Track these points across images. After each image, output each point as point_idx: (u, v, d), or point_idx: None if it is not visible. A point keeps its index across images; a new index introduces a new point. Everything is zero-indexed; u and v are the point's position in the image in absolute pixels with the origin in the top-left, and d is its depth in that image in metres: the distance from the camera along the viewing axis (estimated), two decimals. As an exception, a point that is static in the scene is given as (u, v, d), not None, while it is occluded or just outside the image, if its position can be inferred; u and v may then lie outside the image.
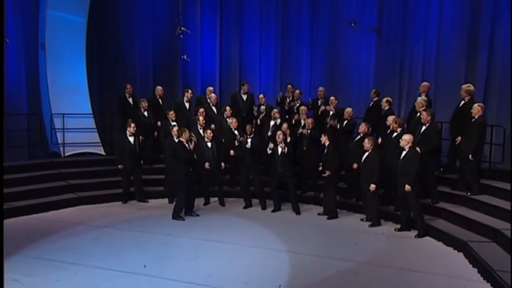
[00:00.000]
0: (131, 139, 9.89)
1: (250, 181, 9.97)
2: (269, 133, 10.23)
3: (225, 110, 10.74)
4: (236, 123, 10.13)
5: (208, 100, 11.23)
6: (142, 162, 10.26)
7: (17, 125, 10.54)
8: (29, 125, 10.95)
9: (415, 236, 7.94)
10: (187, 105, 11.22)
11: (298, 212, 9.49)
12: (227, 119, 10.50)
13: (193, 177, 9.26)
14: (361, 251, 7.29)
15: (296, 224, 8.80)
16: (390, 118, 8.98)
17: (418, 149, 7.97)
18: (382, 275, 6.41)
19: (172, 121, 10.43)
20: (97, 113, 12.07)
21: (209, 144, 9.76)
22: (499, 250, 6.73)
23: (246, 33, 13.13)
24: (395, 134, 8.61)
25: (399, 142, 8.05)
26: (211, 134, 9.77)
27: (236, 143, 9.90)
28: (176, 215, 8.96)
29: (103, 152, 11.72)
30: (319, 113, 10.76)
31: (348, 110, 9.97)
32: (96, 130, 11.79)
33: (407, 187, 7.69)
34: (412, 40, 11.39)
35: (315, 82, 12.40)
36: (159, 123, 10.99)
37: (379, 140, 9.11)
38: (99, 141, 11.77)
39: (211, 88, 11.56)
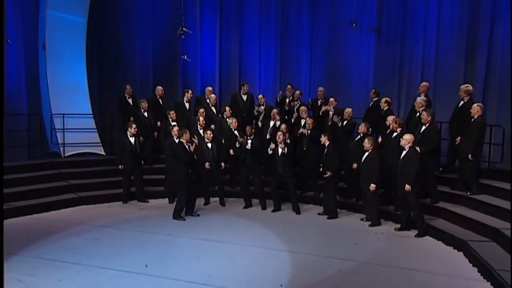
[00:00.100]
0: (132, 139, 9.90)
1: (250, 181, 10.00)
2: (268, 136, 10.24)
3: (225, 110, 10.77)
4: (236, 124, 10.15)
5: (208, 100, 11.25)
6: (142, 162, 10.27)
7: (17, 125, 10.56)
8: (29, 125, 10.95)
9: (415, 236, 7.97)
10: (187, 105, 11.24)
11: (298, 212, 9.51)
12: (227, 119, 10.52)
13: (193, 177, 9.26)
14: (361, 251, 7.32)
15: (296, 224, 8.83)
16: (390, 118, 9.02)
17: (418, 148, 8.01)
18: (382, 274, 6.44)
19: (173, 120, 10.44)
20: (97, 113, 12.09)
21: (209, 145, 9.77)
22: (499, 250, 6.77)
23: (246, 33, 13.15)
24: (395, 134, 8.64)
25: (399, 142, 8.10)
26: (211, 135, 9.79)
27: (237, 145, 9.91)
28: (177, 215, 8.97)
29: (103, 152, 11.74)
30: (320, 113, 10.79)
31: (348, 110, 10.00)
32: (96, 130, 11.80)
33: (407, 187, 7.72)
34: (412, 41, 11.44)
35: (314, 82, 12.44)
36: (158, 123, 11.01)
37: (379, 140, 9.13)
38: (99, 141, 11.78)
39: (210, 88, 11.58)
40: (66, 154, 11.27)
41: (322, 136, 9.18)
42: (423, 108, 8.93)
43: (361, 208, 9.28)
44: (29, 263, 6.61)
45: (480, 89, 10.29)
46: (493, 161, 9.32)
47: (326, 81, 12.21)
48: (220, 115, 11.05)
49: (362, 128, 9.20)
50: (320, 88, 11.23)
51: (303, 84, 12.43)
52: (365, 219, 8.93)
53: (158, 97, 11.30)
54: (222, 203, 10.13)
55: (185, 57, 12.09)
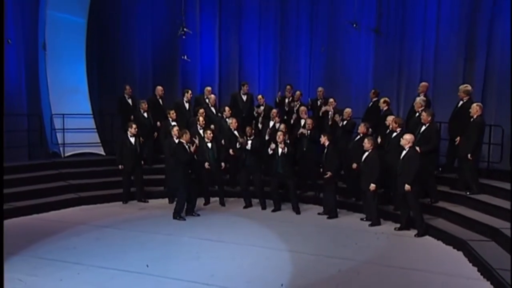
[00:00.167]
0: (132, 139, 9.91)
1: (250, 182, 10.02)
2: (267, 137, 10.24)
3: (224, 111, 10.79)
4: (236, 124, 10.17)
5: (207, 101, 11.27)
6: (142, 162, 10.29)
7: (17, 126, 10.57)
8: (29, 126, 10.96)
9: (415, 235, 7.99)
10: (186, 105, 11.25)
11: (298, 212, 9.53)
12: (227, 119, 10.54)
13: (193, 177, 9.27)
14: (361, 250, 7.34)
15: (297, 223, 8.86)
16: (390, 118, 9.04)
17: (418, 148, 8.03)
18: (382, 274, 6.46)
19: (173, 120, 10.45)
20: (97, 114, 12.09)
21: (209, 145, 9.78)
22: (498, 249, 6.79)
23: (245, 34, 13.16)
24: (394, 134, 8.67)
25: (398, 142, 8.12)
26: (211, 135, 9.80)
27: (238, 145, 9.92)
28: (177, 215, 8.99)
29: (103, 153, 11.77)
30: (320, 114, 10.81)
31: (348, 110, 10.02)
32: (96, 130, 11.81)
33: (407, 187, 7.75)
34: (411, 41, 11.46)
35: (314, 82, 12.46)
36: (158, 123, 11.02)
37: (379, 140, 9.15)
38: (99, 141, 11.80)
39: (209, 88, 11.60)
40: (66, 154, 11.29)
41: (322, 136, 9.21)
42: (423, 108, 8.96)
43: (360, 207, 9.31)
44: (30, 263, 6.62)
45: (479, 89, 10.32)
46: (492, 161, 9.35)
47: (326, 81, 12.22)
48: (219, 114, 11.06)
49: (361, 128, 9.23)
50: (320, 88, 11.26)
51: (302, 85, 12.44)
52: (364, 219, 8.96)
53: (158, 97, 11.32)
54: (222, 203, 10.15)
55: (185, 57, 12.11)
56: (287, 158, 9.42)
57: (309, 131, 9.85)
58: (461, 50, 10.76)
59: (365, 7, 11.67)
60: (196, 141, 9.30)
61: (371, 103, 10.48)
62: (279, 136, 9.32)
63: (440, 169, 9.46)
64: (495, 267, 6.08)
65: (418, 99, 9.32)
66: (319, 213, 9.44)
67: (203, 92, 11.73)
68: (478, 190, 8.46)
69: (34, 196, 9.57)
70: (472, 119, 8.43)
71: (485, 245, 6.97)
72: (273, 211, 9.67)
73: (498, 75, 10.22)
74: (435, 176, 8.83)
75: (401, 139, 7.98)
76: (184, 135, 8.94)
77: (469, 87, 9.03)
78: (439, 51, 11.06)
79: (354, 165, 9.01)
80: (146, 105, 10.82)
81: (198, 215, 9.22)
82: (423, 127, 8.49)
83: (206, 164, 9.67)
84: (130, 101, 11.32)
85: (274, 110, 10.70)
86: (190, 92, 11.31)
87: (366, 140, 8.53)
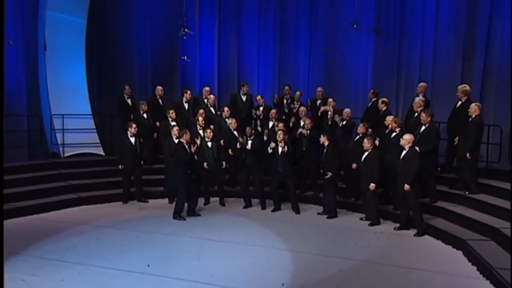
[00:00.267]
0: (132, 139, 9.93)
1: (250, 182, 10.03)
2: (265, 137, 10.25)
3: (224, 111, 10.81)
4: (236, 124, 10.19)
5: (206, 101, 11.29)
6: (142, 162, 10.30)
7: (17, 126, 10.57)
8: (29, 126, 10.98)
9: (414, 235, 8.03)
10: (186, 105, 11.27)
11: (298, 211, 9.56)
12: (226, 119, 10.56)
13: (193, 177, 9.29)
14: (361, 250, 7.37)
15: (296, 223, 8.88)
16: (389, 118, 9.08)
17: (417, 148, 8.07)
18: (382, 273, 6.49)
19: (172, 120, 10.46)
20: (97, 114, 12.10)
21: (209, 144, 9.80)
22: (497, 248, 6.83)
23: (244, 34, 13.21)
24: (394, 134, 8.70)
25: (398, 142, 8.15)
26: (211, 133, 9.81)
27: (238, 146, 9.94)
28: (177, 215, 9.00)
29: (102, 153, 11.77)
30: (319, 114, 10.84)
31: (347, 110, 10.05)
32: (95, 130, 11.82)
33: (407, 187, 7.78)
34: (410, 41, 11.52)
35: (313, 82, 12.51)
36: (157, 123, 11.03)
37: (377, 142, 9.15)
38: (99, 141, 11.81)
39: (207, 89, 11.62)
40: (66, 155, 11.29)
41: (322, 136, 9.23)
42: (421, 108, 9.00)
43: (360, 207, 9.34)
44: (31, 263, 6.63)
45: (477, 89, 10.37)
46: (490, 160, 9.39)
47: (325, 82, 12.27)
48: (219, 114, 11.08)
49: (360, 128, 9.26)
50: (319, 89, 11.29)
51: (302, 85, 12.48)
52: (364, 219, 8.99)
53: (158, 97, 11.34)
54: (222, 203, 10.17)
55: (185, 57, 12.12)
56: (287, 158, 9.45)
57: (308, 131, 9.87)
58: (459, 50, 10.81)
59: (364, 8, 11.71)
60: (198, 141, 9.33)
61: (370, 103, 10.52)
62: (279, 135, 9.34)
63: (439, 168, 9.50)
64: (494, 266, 6.11)
65: (417, 99, 9.36)
66: (318, 213, 9.47)
67: (202, 92, 11.75)
68: (477, 189, 8.50)
69: (34, 196, 9.57)
70: (470, 119, 8.47)
71: (485, 244, 7.01)
72: (273, 211, 9.69)
73: (497, 75, 10.27)
74: (434, 176, 8.86)
75: (401, 139, 8.01)
76: (184, 135, 8.96)
77: (467, 87, 9.06)
78: (437, 52, 11.12)
79: (354, 165, 9.04)
80: (146, 107, 10.83)
81: (199, 215, 9.24)
82: (423, 127, 8.52)
83: (205, 164, 9.67)
84: (129, 101, 11.34)
85: (273, 111, 10.74)
86: (189, 92, 11.33)
87: (365, 140, 8.57)
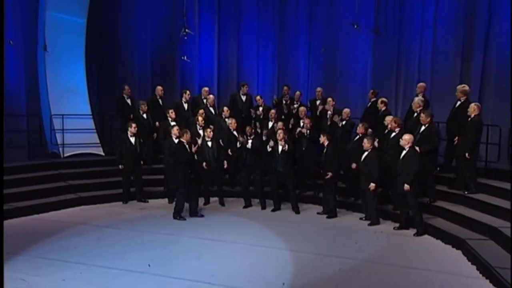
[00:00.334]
0: (132, 139, 9.94)
1: (250, 182, 10.05)
2: (264, 137, 10.25)
3: (223, 111, 10.82)
4: (235, 124, 10.20)
5: (205, 101, 11.31)
6: (142, 162, 10.31)
7: (17, 126, 10.58)
8: (29, 126, 10.99)
9: (414, 235, 8.05)
10: (185, 105, 11.29)
11: (297, 211, 9.58)
12: (226, 119, 10.58)
13: (193, 177, 9.30)
14: (361, 250, 7.40)
15: (296, 223, 8.90)
16: (389, 118, 9.10)
17: (417, 149, 8.09)
18: (382, 272, 6.51)
19: (172, 120, 10.47)
20: (96, 114, 12.11)
21: (209, 143, 9.81)
22: (497, 248, 6.86)
23: (244, 35, 13.24)
24: (393, 134, 8.72)
25: (398, 142, 8.17)
26: (211, 133, 9.82)
27: (238, 145, 9.96)
28: (177, 215, 9.01)
29: (102, 153, 11.78)
30: (318, 113, 10.86)
31: (346, 110, 10.08)
32: (95, 131, 11.83)
33: (406, 187, 7.80)
34: (409, 41, 11.56)
35: (313, 83, 12.54)
36: (157, 123, 11.04)
37: (376, 144, 9.15)
38: (98, 141, 11.82)
39: (206, 89, 11.64)
40: (65, 155, 11.29)
41: (322, 136, 9.26)
42: (421, 108, 9.03)
43: (359, 207, 9.37)
44: (32, 262, 6.64)
45: (476, 89, 10.40)
46: (489, 160, 9.41)
47: (324, 82, 12.30)
48: (218, 114, 11.09)
49: (360, 128, 9.28)
50: (318, 89, 11.31)
51: (301, 85, 12.51)
52: (364, 218, 9.01)
53: (158, 97, 11.36)
54: (222, 203, 10.18)
55: (185, 58, 12.13)
56: (287, 157, 9.46)
57: (308, 131, 9.89)
58: (458, 51, 10.85)
59: (363, 8, 11.73)
60: (199, 141, 9.35)
61: (370, 103, 10.54)
62: (279, 134, 9.36)
63: (438, 168, 9.52)
64: (494, 265, 6.14)
65: (416, 99, 9.39)
66: (318, 213, 9.49)
67: (201, 93, 11.76)
68: (476, 189, 8.52)
69: (34, 196, 9.57)
70: (469, 119, 8.49)
71: (484, 244, 7.03)
72: (272, 210, 9.71)
73: (495, 75, 10.30)
74: (434, 176, 8.89)
75: (401, 139, 8.03)
76: (184, 135, 8.97)
77: (466, 87, 9.09)
78: (436, 52, 11.15)
79: (354, 165, 9.06)
80: (146, 107, 10.84)
81: (202, 215, 9.23)
82: (422, 128, 8.55)
83: (204, 164, 9.67)
84: (129, 101, 11.36)
85: (273, 111, 10.75)
86: (188, 92, 11.36)
87: (365, 140, 8.59)
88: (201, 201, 9.95)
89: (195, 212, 9.19)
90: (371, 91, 10.62)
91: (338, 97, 11.20)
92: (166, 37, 12.88)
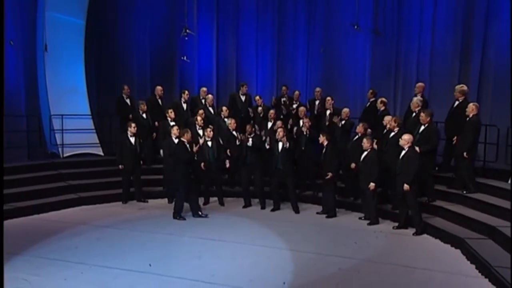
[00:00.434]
0: (132, 139, 9.95)
1: (251, 181, 10.07)
2: (264, 137, 10.27)
3: (222, 111, 10.85)
4: (235, 124, 10.23)
5: (203, 101, 11.33)
6: (141, 162, 10.33)
7: (16, 126, 10.58)
8: (28, 126, 11.00)
9: (413, 234, 8.09)
10: (184, 106, 11.30)
11: (297, 211, 9.61)
12: (225, 119, 10.60)
13: (193, 177, 9.31)
14: (361, 249, 7.43)
15: (296, 223, 8.93)
16: (387, 118, 9.14)
17: (417, 148, 8.13)
18: (382, 272, 6.55)
19: (171, 120, 10.49)
20: (95, 114, 12.12)
21: (209, 143, 9.83)
22: (495, 247, 6.90)
23: (243, 35, 13.26)
24: (392, 133, 8.76)
25: (397, 142, 8.21)
26: (211, 132, 9.84)
27: (238, 142, 9.97)
28: (177, 215, 9.04)
29: (101, 153, 11.79)
30: (315, 112, 10.89)
31: (346, 110, 10.11)
32: (94, 131, 11.84)
33: (406, 187, 7.84)
34: (407, 42, 11.60)
35: (312, 83, 12.56)
36: (156, 123, 11.06)
37: (375, 146, 9.18)
38: (98, 142, 11.83)
39: (204, 89, 11.66)
40: (65, 155, 11.30)
41: (321, 136, 9.29)
42: (419, 108, 9.08)
43: (359, 207, 9.40)
44: (33, 262, 6.66)
45: (474, 89, 10.45)
46: (488, 160, 9.47)
47: (323, 82, 12.32)
48: (217, 113, 11.11)
49: (359, 128, 9.31)
50: (318, 89, 11.34)
51: (300, 85, 12.54)
52: (363, 218, 9.04)
53: (157, 97, 11.37)
54: (221, 203, 10.20)
55: (185, 58, 12.14)
56: (288, 155, 9.49)
57: (307, 131, 9.91)
58: (456, 51, 10.90)
59: (361, 9, 11.75)
60: (201, 140, 9.38)
61: (369, 103, 10.57)
62: (279, 132, 9.40)
63: (436, 168, 9.56)
64: (493, 264, 6.18)
65: (415, 99, 9.43)
66: (317, 212, 9.52)
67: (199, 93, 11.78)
68: (475, 189, 8.57)
69: (34, 196, 9.58)
70: (468, 119, 8.53)
71: (483, 243, 7.08)
72: (272, 210, 9.74)
73: (493, 76, 10.36)
74: (433, 176, 8.93)
75: (400, 139, 8.07)
76: (185, 134, 8.99)
77: (465, 87, 9.14)
78: (435, 52, 11.20)
79: (353, 165, 9.09)
80: (145, 106, 10.85)
81: (206, 215, 9.23)
82: (422, 127, 8.59)
83: (202, 164, 9.67)
84: (128, 101, 11.39)
85: (272, 111, 10.77)
86: (187, 92, 11.38)
87: (365, 140, 8.63)
88: (200, 201, 9.94)
89: (197, 212, 9.19)
90: (370, 91, 10.65)
91: (337, 97, 11.22)
92: (165, 37, 12.91)
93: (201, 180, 9.82)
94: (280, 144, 9.41)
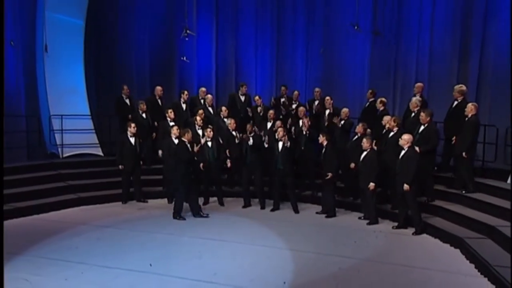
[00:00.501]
0: (132, 140, 9.96)
1: (251, 181, 10.08)
2: (263, 137, 10.29)
3: (221, 111, 10.86)
4: (235, 124, 10.24)
5: (202, 101, 11.34)
6: (141, 162, 10.34)
7: (16, 127, 10.60)
8: (28, 127, 11.02)
9: (413, 234, 8.12)
10: (183, 106, 11.32)
11: (296, 211, 9.63)
12: (224, 119, 10.61)
13: (193, 177, 9.32)
14: (361, 249, 7.46)
15: (296, 222, 8.95)
16: (386, 118, 9.17)
17: (417, 148, 8.16)
18: (382, 271, 6.57)
19: (171, 120, 10.50)
20: (95, 115, 12.12)
21: (209, 144, 9.84)
22: (494, 246, 6.93)
23: (242, 35, 13.27)
24: (392, 133, 8.79)
25: (396, 141, 8.23)
26: (211, 133, 9.85)
27: (237, 141, 9.99)
28: (177, 215, 9.05)
29: (101, 153, 11.80)
30: (313, 112, 10.91)
31: (345, 110, 10.14)
32: (94, 131, 11.85)
33: (406, 186, 7.87)
34: (406, 42, 11.63)
35: (311, 83, 12.58)
36: (156, 123, 11.07)
37: (374, 146, 9.21)
38: (97, 142, 11.84)
39: (203, 89, 11.66)
40: (64, 155, 11.31)
41: (321, 135, 9.31)
42: (418, 108, 9.11)
43: (358, 206, 9.43)
44: (34, 262, 6.67)
45: (473, 89, 10.48)
46: (486, 160, 9.50)
47: (322, 82, 12.33)
48: (217, 113, 11.12)
49: (359, 128, 9.33)
50: (317, 89, 11.35)
51: (299, 85, 12.55)
52: (362, 218, 9.07)
53: (157, 97, 11.38)
54: (221, 203, 10.22)
55: (184, 58, 12.15)
56: (288, 154, 9.50)
57: (307, 130, 9.93)
58: (455, 51, 10.93)
59: (361, 9, 11.76)
60: (203, 140, 9.40)
61: (368, 103, 10.60)
62: (279, 132, 9.42)
63: (435, 168, 9.59)
64: (492, 264, 6.20)
65: (413, 99, 9.46)
66: (317, 212, 9.55)
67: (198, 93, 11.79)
68: (474, 188, 8.60)
69: (33, 196, 9.59)
70: (467, 118, 8.56)
71: (482, 242, 7.10)
72: (272, 210, 9.76)
73: (492, 76, 10.39)
74: (433, 176, 8.96)
75: (400, 139, 8.09)
76: (186, 134, 9.00)
77: (463, 87, 9.17)
78: (434, 52, 11.23)
79: (352, 165, 9.12)
80: (145, 106, 10.86)
81: (207, 215, 9.25)
82: (422, 127, 8.62)
83: (201, 165, 9.67)
84: (127, 101, 11.39)
85: (271, 111, 10.79)
86: (186, 92, 11.39)
87: (364, 140, 8.65)
88: (200, 201, 9.94)
89: (198, 213, 9.20)
90: (370, 91, 10.68)
91: (336, 97, 11.26)
92: (164, 37, 12.92)
93: (201, 180, 9.82)
94: (281, 144, 9.43)
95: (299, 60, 12.90)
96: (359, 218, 9.14)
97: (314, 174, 10.16)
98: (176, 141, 9.41)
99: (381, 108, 9.93)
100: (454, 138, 8.90)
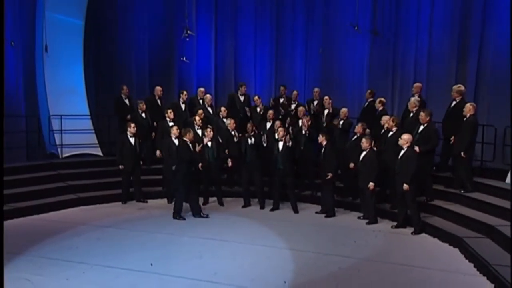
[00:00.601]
0: (132, 140, 9.97)
1: (251, 181, 10.11)
2: (263, 137, 10.31)
3: (221, 111, 10.88)
4: (234, 124, 10.26)
5: (201, 101, 11.36)
6: (141, 162, 10.35)
7: (15, 127, 10.60)
8: (27, 127, 11.02)
9: (412, 233, 8.15)
10: (182, 106, 11.33)
11: (296, 211, 9.66)
12: (224, 119, 10.63)
13: (192, 177, 9.33)
14: (360, 248, 7.49)
15: (295, 222, 8.98)
16: (385, 118, 9.20)
17: (417, 148, 8.19)
18: (382, 271, 6.60)
19: (170, 120, 10.51)
20: (94, 115, 12.13)
21: (209, 144, 9.85)
22: (493, 246, 6.97)
23: (241, 35, 13.28)
24: (391, 133, 8.83)
25: (395, 141, 8.27)
26: (211, 133, 9.87)
27: (235, 139, 10.00)
28: (177, 215, 9.06)
29: (100, 153, 11.81)
30: (312, 111, 10.94)
31: (344, 110, 10.17)
32: (93, 131, 11.86)
33: (405, 186, 7.90)
34: (405, 42, 11.67)
35: (310, 83, 12.61)
36: (155, 123, 11.08)
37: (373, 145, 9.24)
38: (97, 142, 11.85)
39: (202, 89, 11.67)
40: (64, 155, 11.31)
41: (320, 135, 9.33)
42: (417, 108, 9.15)
43: (357, 206, 9.45)
44: (35, 262, 6.68)
45: (471, 89, 10.51)
46: (485, 159, 9.54)
47: (322, 82, 12.36)
48: (216, 113, 11.14)
49: (358, 128, 9.36)
50: (316, 89, 11.37)
51: (298, 85, 12.57)
52: (362, 217, 9.10)
53: (157, 97, 11.39)
54: (221, 203, 10.23)
55: (184, 58, 12.16)
56: (288, 154, 9.53)
57: (307, 130, 9.96)
58: (453, 52, 10.97)
59: (360, 9, 11.78)
60: (205, 140, 9.42)
61: (367, 103, 10.63)
62: (279, 132, 9.44)
63: (434, 168, 9.62)
64: (491, 263, 6.24)
65: (412, 99, 9.50)
66: (316, 212, 9.57)
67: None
68: (472, 188, 8.63)
69: (33, 197, 9.60)
70: (465, 118, 8.59)
71: (481, 242, 7.14)
72: (271, 210, 9.78)
73: (490, 76, 10.43)
74: (432, 176, 9.00)
75: (399, 139, 8.12)
76: (187, 134, 9.02)
77: (462, 87, 9.20)
78: (432, 53, 11.28)
79: (351, 165, 9.15)
80: (144, 106, 10.88)
81: (207, 215, 9.26)
82: (421, 127, 8.65)
83: (200, 165, 9.67)
84: (127, 101, 11.40)
85: (270, 111, 10.80)
86: (185, 92, 11.40)
87: (364, 140, 8.68)
88: (200, 201, 9.96)
89: (198, 213, 9.22)
90: (369, 91, 10.71)
91: (335, 97, 11.29)
92: (164, 37, 12.94)
93: (201, 180, 9.84)
94: (281, 144, 9.45)
95: (298, 59, 12.93)
96: (359, 217, 9.17)
97: (313, 174, 10.19)
98: (176, 141, 9.42)
99: (380, 108, 9.96)
100: (452, 138, 8.93)
